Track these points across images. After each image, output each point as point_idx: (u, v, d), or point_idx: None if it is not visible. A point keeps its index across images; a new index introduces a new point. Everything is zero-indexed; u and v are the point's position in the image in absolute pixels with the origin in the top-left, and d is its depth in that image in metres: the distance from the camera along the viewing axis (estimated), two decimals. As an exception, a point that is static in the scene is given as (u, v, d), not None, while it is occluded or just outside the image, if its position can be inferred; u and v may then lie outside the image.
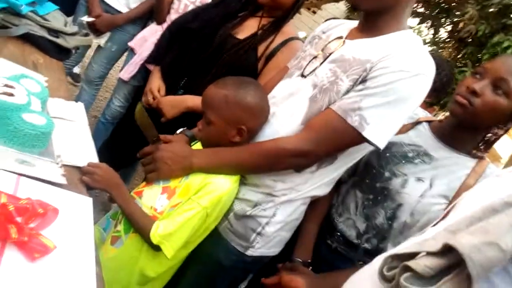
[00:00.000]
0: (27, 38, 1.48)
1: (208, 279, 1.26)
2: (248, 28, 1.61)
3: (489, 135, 1.14)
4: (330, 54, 1.14)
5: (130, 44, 2.31)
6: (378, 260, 0.64)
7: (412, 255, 0.56)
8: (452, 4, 6.56)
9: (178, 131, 1.30)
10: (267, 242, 1.19)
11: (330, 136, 1.06)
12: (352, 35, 1.15)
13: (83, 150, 1.15)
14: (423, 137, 1.21)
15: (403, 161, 1.18)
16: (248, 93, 1.13)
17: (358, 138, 1.04)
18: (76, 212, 0.89)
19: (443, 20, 7.00)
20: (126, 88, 2.32)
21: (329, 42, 1.17)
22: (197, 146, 1.24)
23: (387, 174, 1.19)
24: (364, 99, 1.01)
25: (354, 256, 1.24)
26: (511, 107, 1.06)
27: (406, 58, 1.01)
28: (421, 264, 0.53)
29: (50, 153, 1.03)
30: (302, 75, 1.18)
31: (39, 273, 0.71)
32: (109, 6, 2.36)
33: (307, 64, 1.18)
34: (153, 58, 1.90)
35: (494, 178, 0.78)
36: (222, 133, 1.14)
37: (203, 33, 1.66)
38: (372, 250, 1.21)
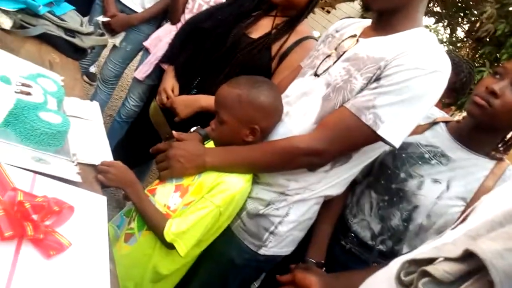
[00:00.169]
0: (44, 38, 1.50)
1: (221, 278, 1.26)
2: (262, 27, 1.61)
3: (509, 136, 1.12)
4: (343, 52, 1.13)
5: (145, 43, 2.33)
6: (395, 264, 0.63)
7: (430, 260, 0.55)
8: (470, 3, 6.46)
9: (191, 130, 1.30)
10: (280, 242, 1.19)
11: (344, 135, 1.05)
12: (365, 33, 1.14)
13: (98, 149, 1.16)
14: (440, 137, 1.19)
15: (420, 162, 1.16)
16: (261, 92, 1.12)
17: (373, 137, 1.02)
18: (90, 210, 0.90)
19: (460, 19, 6.90)
20: (140, 88, 2.34)
21: (343, 41, 1.16)
22: (210, 145, 1.25)
23: (402, 175, 1.17)
24: (378, 97, 1.00)
25: (369, 258, 1.22)
26: None
27: (421, 56, 0.99)
28: (440, 269, 0.51)
29: (65, 152, 1.04)
30: (316, 74, 1.17)
31: (55, 270, 0.72)
32: (124, 6, 2.39)
33: (320, 63, 1.17)
34: (167, 57, 1.91)
35: None
36: (235, 133, 1.14)
37: (216, 33, 1.66)
38: (387, 252, 1.20)
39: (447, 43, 6.84)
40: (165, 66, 1.94)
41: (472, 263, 0.50)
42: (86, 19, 1.82)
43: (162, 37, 2.22)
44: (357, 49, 1.10)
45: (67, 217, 0.81)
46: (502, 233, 0.51)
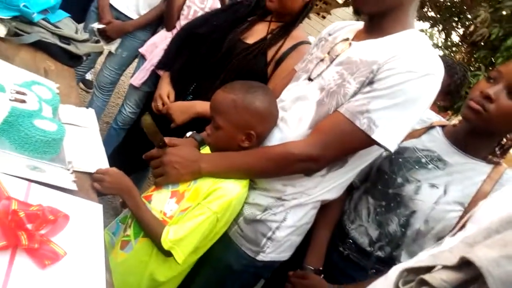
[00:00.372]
0: (39, 46, 1.50)
1: (218, 284, 1.25)
2: (257, 32, 1.61)
3: (505, 140, 1.11)
4: (336, 56, 1.13)
5: (141, 50, 2.33)
6: (393, 272, 0.62)
7: (428, 269, 0.54)
8: (464, 8, 6.51)
9: (187, 134, 1.30)
10: (278, 247, 1.19)
11: (338, 140, 1.05)
12: (358, 36, 1.14)
13: (94, 156, 1.15)
14: (436, 142, 1.19)
15: (416, 167, 1.16)
16: (256, 97, 1.12)
17: (367, 141, 1.02)
18: (86, 219, 0.89)
19: (454, 24, 6.95)
20: (137, 94, 2.34)
21: (336, 45, 1.16)
22: (206, 150, 1.24)
23: (399, 180, 1.17)
24: (372, 102, 1.00)
25: (367, 264, 1.21)
26: None
27: (413, 59, 0.99)
28: (437, 277, 0.51)
29: (61, 159, 1.03)
30: (309, 79, 1.17)
31: (50, 280, 0.71)
32: (119, 12, 2.39)
33: (314, 67, 1.17)
34: (162, 64, 1.91)
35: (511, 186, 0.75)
36: (230, 138, 1.13)
37: (212, 38, 1.66)
38: (385, 258, 1.19)
39: (442, 47, 6.88)
40: (160, 72, 1.94)
41: (469, 271, 0.49)
42: (81, 26, 1.82)
43: (158, 44, 2.23)
44: (350, 53, 1.10)
45: (63, 226, 0.80)
46: (499, 240, 0.51)
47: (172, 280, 1.17)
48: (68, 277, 0.74)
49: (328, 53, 1.16)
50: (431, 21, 7.13)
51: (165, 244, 1.05)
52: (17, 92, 1.04)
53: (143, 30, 2.44)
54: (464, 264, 0.50)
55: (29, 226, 0.73)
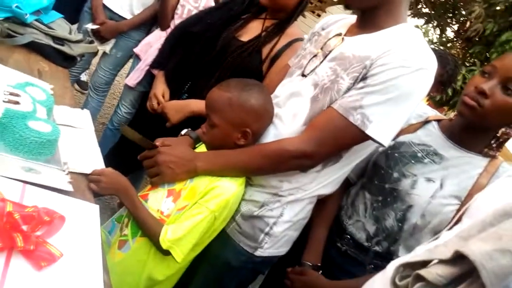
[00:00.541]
0: (32, 47, 1.49)
1: (217, 281, 1.26)
2: (252, 30, 1.61)
3: (500, 133, 1.12)
4: (329, 52, 1.13)
5: (135, 50, 2.32)
6: (390, 268, 0.62)
7: (424, 263, 0.54)
8: (458, 4, 6.52)
9: (182, 132, 1.29)
10: (275, 242, 1.19)
11: (332, 136, 1.05)
12: (350, 31, 1.14)
13: (90, 157, 1.15)
14: (432, 136, 1.19)
15: (412, 161, 1.16)
16: (252, 95, 1.12)
17: (361, 136, 1.03)
18: (83, 220, 0.89)
19: (449, 20, 6.96)
20: (132, 95, 2.33)
21: (329, 40, 1.16)
22: (202, 147, 1.24)
23: (396, 174, 1.17)
24: (365, 97, 1.00)
25: (365, 259, 1.22)
26: None
27: (406, 53, 0.99)
28: (432, 272, 0.51)
29: (56, 161, 1.02)
30: (303, 75, 1.17)
31: (46, 282, 0.70)
32: (113, 13, 2.38)
33: (307, 63, 1.17)
34: (157, 63, 1.90)
35: (506, 178, 0.75)
36: (226, 136, 1.13)
37: (206, 37, 1.65)
38: (383, 253, 1.19)
39: (437, 43, 6.90)
40: (155, 72, 1.93)
41: (463, 265, 0.50)
42: (74, 27, 1.80)
43: (153, 43, 2.22)
44: (343, 48, 1.10)
45: (58, 227, 0.80)
46: (492, 233, 0.51)
47: (170, 278, 1.17)
48: (64, 278, 0.73)
49: (321, 48, 1.16)
50: (425, 18, 7.14)
51: (164, 244, 1.05)
52: (11, 94, 1.03)
53: (137, 30, 2.43)
54: (459, 258, 0.50)
55: (24, 227, 0.72)
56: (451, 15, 6.88)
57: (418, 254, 0.60)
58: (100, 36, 2.34)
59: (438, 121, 1.23)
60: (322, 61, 1.13)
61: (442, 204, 1.09)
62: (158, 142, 1.19)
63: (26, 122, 0.98)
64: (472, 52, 5.72)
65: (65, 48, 1.57)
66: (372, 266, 1.21)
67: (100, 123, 3.26)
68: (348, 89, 1.04)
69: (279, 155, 1.09)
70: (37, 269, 0.71)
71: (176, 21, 2.15)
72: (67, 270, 0.75)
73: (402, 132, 1.22)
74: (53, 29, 1.56)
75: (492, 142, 1.12)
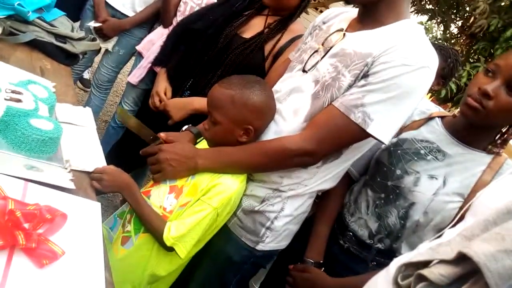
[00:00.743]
0: (35, 44, 1.49)
1: (219, 276, 1.26)
2: (254, 27, 1.60)
3: (505, 129, 1.10)
4: (330, 48, 1.12)
5: (138, 47, 2.31)
6: (393, 266, 0.62)
7: (426, 263, 0.54)
8: (462, 0, 6.47)
9: (183, 128, 1.29)
10: (276, 236, 1.20)
11: (333, 134, 1.05)
12: (352, 27, 1.13)
13: (92, 155, 1.15)
14: (435, 133, 1.18)
15: (415, 158, 1.15)
16: (254, 92, 1.11)
17: (362, 135, 1.03)
18: (84, 217, 0.89)
19: (453, 16, 6.91)
20: (134, 92, 2.33)
21: (330, 35, 1.15)
22: (203, 143, 1.24)
23: (398, 172, 1.16)
24: (367, 95, 0.99)
25: (367, 257, 1.21)
26: None
27: (408, 51, 0.98)
28: (435, 272, 0.51)
29: (58, 158, 1.02)
30: (304, 70, 1.16)
31: (48, 280, 0.71)
32: (115, 10, 2.37)
33: (308, 58, 1.17)
34: (159, 60, 1.90)
35: (510, 176, 0.75)
36: (228, 133, 1.13)
37: (208, 34, 1.64)
38: (385, 250, 1.19)
39: (441, 40, 6.86)
40: (157, 69, 1.92)
41: (467, 266, 0.49)
42: (77, 24, 1.80)
43: (155, 41, 2.21)
44: (344, 44, 1.09)
45: (60, 225, 0.80)
46: (495, 234, 0.50)
47: (171, 273, 1.18)
48: (66, 276, 0.73)
49: (322, 44, 1.15)
50: (429, 14, 7.10)
51: (168, 241, 1.06)
52: (13, 92, 1.03)
53: (140, 28, 2.42)
54: (462, 258, 0.50)
55: (26, 225, 0.72)
56: (455, 11, 6.84)
57: (420, 252, 0.59)
58: (102, 34, 2.33)
59: (442, 117, 1.22)
60: (323, 57, 1.12)
61: (445, 201, 1.09)
62: (161, 136, 1.19)
63: (28, 120, 0.98)
64: (476, 48, 5.68)
65: (67, 46, 1.57)
66: (375, 263, 1.20)
67: (102, 120, 3.27)
68: (349, 86, 1.04)
69: (280, 153, 1.09)
70: (39, 267, 0.71)
71: (179, 18, 2.13)
72: (68, 268, 0.75)
73: (405, 128, 1.21)
74: (55, 26, 1.56)
75: (497, 138, 1.11)
